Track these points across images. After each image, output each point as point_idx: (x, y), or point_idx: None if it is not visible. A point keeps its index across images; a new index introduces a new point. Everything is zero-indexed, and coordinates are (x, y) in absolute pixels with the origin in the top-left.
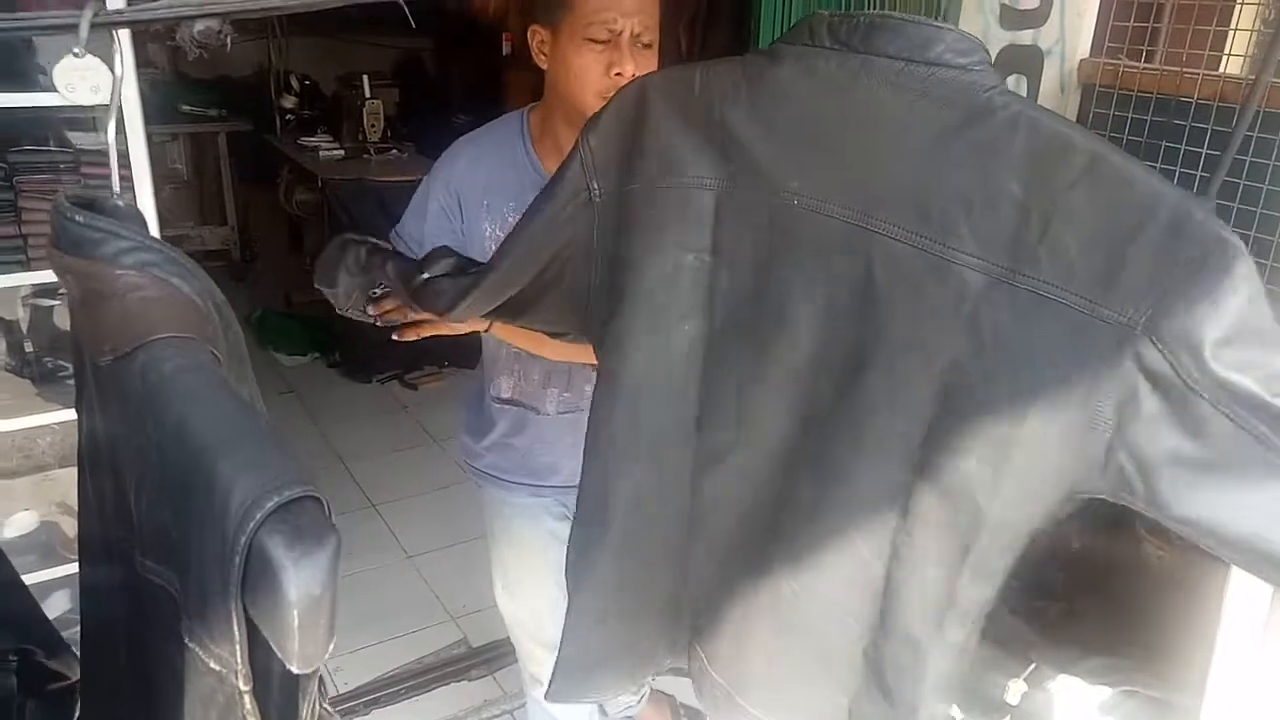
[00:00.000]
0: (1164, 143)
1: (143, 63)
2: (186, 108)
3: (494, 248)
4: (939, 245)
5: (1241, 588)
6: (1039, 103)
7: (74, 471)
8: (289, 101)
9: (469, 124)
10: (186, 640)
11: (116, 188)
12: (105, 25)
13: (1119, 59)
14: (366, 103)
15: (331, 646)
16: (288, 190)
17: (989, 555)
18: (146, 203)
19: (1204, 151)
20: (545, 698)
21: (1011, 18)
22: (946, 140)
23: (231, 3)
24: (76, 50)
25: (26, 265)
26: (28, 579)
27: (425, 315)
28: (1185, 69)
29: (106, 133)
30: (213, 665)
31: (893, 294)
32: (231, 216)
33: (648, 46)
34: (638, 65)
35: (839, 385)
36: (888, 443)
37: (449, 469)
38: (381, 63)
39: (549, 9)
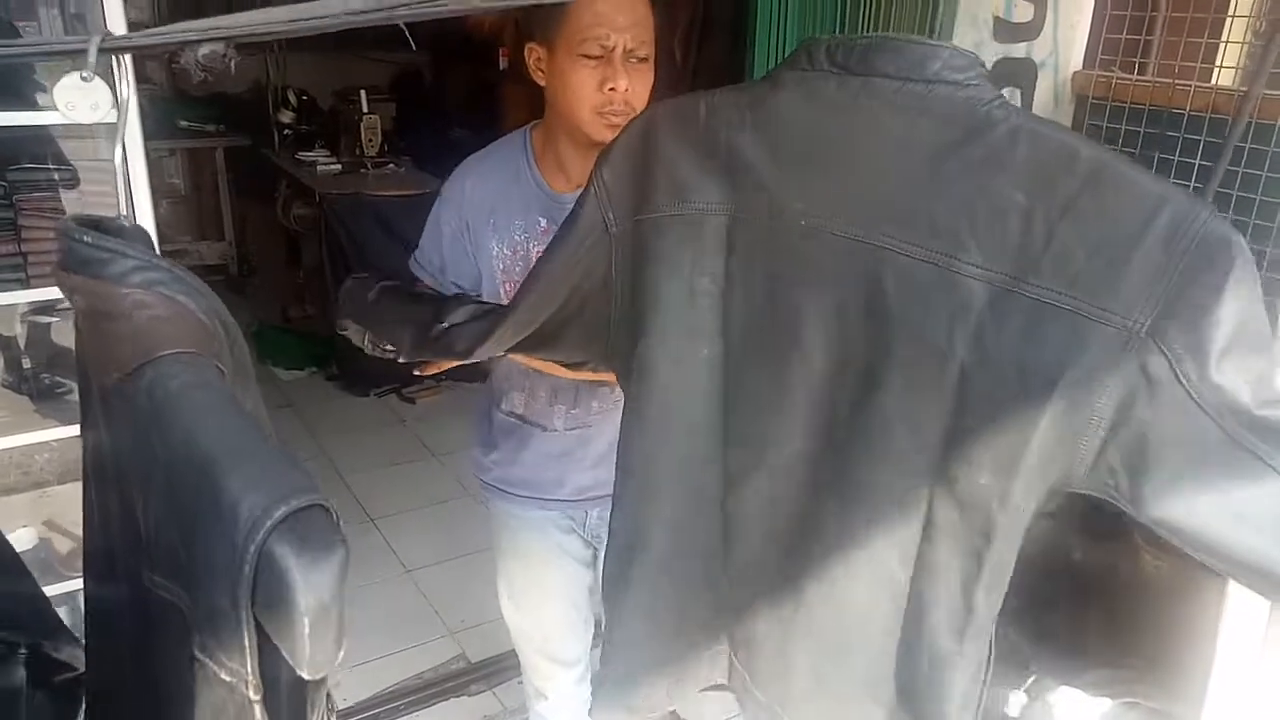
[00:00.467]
0: (1157, 154)
1: (141, 79)
2: (184, 123)
3: (502, 266)
4: (946, 258)
5: (1240, 599)
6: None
7: (73, 488)
8: (286, 116)
9: (466, 138)
10: (196, 653)
11: (124, 209)
12: (112, 51)
13: (1112, 71)
14: (364, 117)
15: (342, 654)
16: (285, 205)
17: (999, 563)
18: (145, 218)
19: (1196, 163)
20: (589, 714)
21: (1005, 31)
22: (949, 155)
23: (237, 27)
24: (85, 75)
25: (26, 283)
26: None
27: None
28: (1177, 81)
29: (114, 155)
30: (223, 676)
31: (902, 308)
32: (229, 231)
33: (643, 61)
34: (631, 80)
35: (855, 400)
36: (905, 455)
37: (447, 483)
38: (379, 77)
39: (544, 27)
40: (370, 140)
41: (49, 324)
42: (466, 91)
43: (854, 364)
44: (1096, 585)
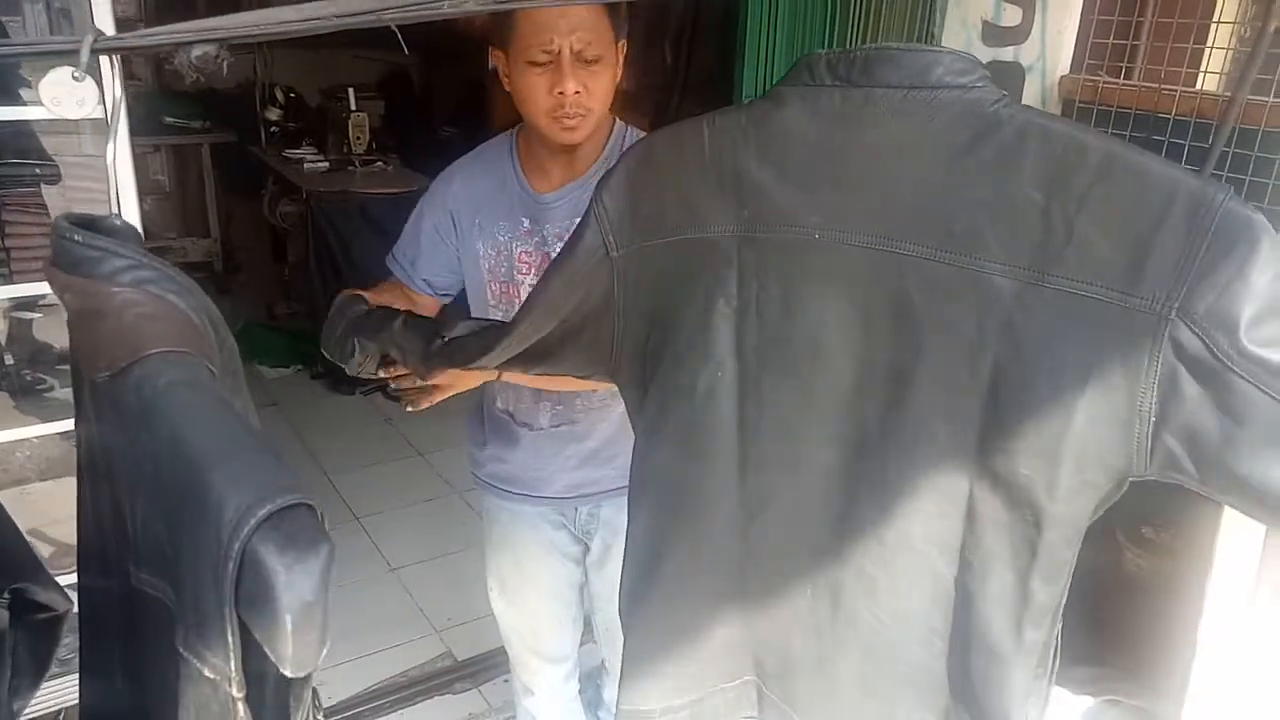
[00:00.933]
0: None
1: (126, 74)
2: (170, 120)
3: (488, 266)
4: (967, 259)
5: (1221, 597)
6: None
7: (54, 485)
8: (274, 114)
9: (454, 137)
10: (181, 649)
11: (115, 207)
12: (105, 51)
13: (1099, 75)
14: (351, 115)
15: (325, 651)
16: (272, 202)
17: (1055, 552)
18: (131, 215)
19: (1182, 167)
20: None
21: (993, 34)
22: (960, 158)
23: (229, 29)
24: (77, 74)
25: (8, 278)
26: None
27: (437, 380)
28: (1163, 85)
29: (99, 151)
30: (207, 673)
31: (930, 308)
32: (214, 229)
33: (593, 61)
34: (580, 81)
35: (886, 404)
36: (943, 451)
37: (432, 482)
38: (367, 75)
39: (501, 35)
40: (358, 138)
41: (31, 320)
42: (455, 90)
43: (883, 368)
44: (1079, 584)
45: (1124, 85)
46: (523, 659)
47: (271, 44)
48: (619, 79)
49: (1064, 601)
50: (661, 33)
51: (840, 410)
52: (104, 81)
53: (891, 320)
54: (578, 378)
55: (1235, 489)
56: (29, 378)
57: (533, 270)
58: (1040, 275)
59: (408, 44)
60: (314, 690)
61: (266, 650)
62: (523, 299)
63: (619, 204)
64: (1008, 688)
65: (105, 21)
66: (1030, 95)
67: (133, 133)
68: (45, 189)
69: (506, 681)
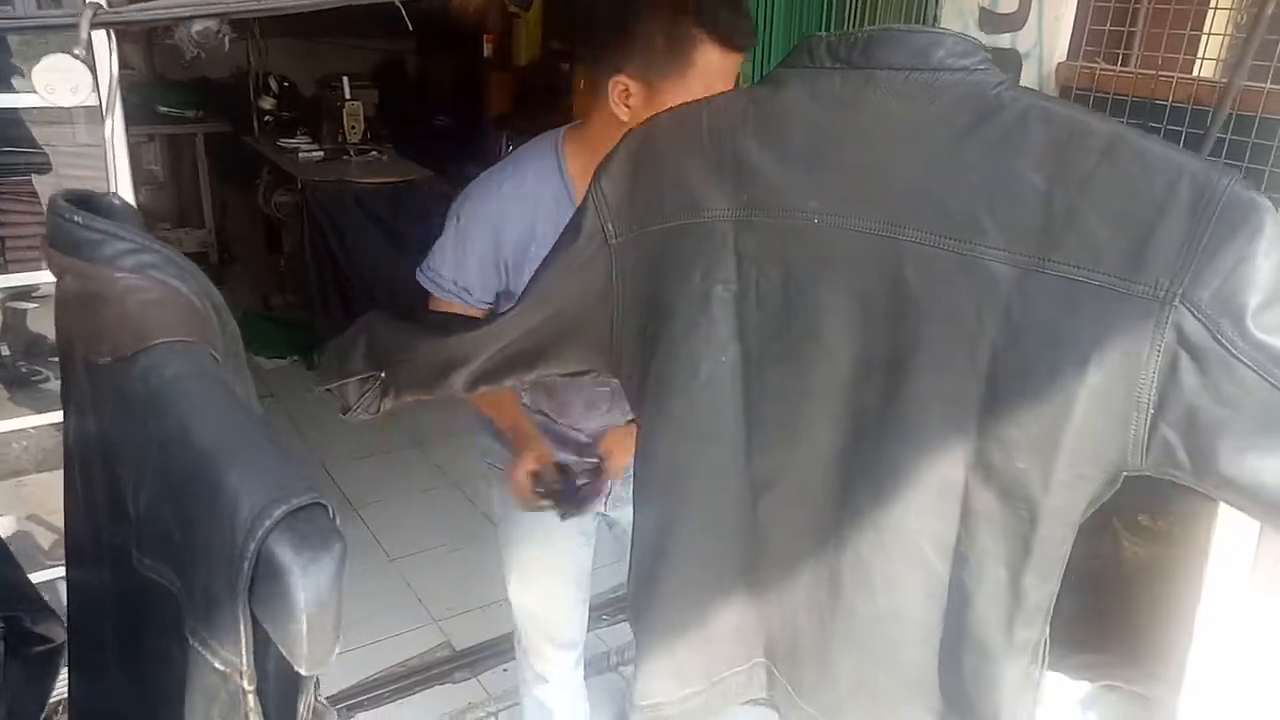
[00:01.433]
0: None
1: (120, 64)
2: (164, 109)
3: None
4: (965, 244)
5: (1218, 584)
6: None
7: (50, 476)
8: (268, 103)
9: (449, 125)
10: (190, 640)
11: (112, 185)
12: (105, 25)
13: (1095, 62)
14: (346, 104)
15: (338, 649)
16: (267, 192)
17: (1048, 548)
18: None
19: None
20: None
21: (990, 21)
22: (960, 141)
23: (231, 3)
24: (77, 52)
25: (3, 268)
26: None
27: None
28: (1160, 72)
29: (92, 139)
30: (216, 665)
31: (927, 296)
32: (209, 219)
33: None
34: None
35: (884, 391)
36: (939, 442)
37: (430, 472)
38: (361, 64)
39: (654, 65)
40: (353, 127)
41: (26, 310)
42: (450, 79)
43: (881, 355)
44: (1076, 572)
45: (1121, 72)
46: (538, 647)
47: (266, 33)
48: None
49: (1054, 602)
50: None
51: (839, 395)
52: (100, 60)
53: (890, 306)
54: (577, 374)
55: (1228, 482)
56: (24, 369)
57: None
58: (1040, 261)
59: (402, 33)
60: (316, 679)
61: (281, 649)
62: None
63: (618, 190)
64: (999, 686)
65: None
66: (1027, 82)
67: (127, 121)
68: (37, 179)
69: (505, 671)
